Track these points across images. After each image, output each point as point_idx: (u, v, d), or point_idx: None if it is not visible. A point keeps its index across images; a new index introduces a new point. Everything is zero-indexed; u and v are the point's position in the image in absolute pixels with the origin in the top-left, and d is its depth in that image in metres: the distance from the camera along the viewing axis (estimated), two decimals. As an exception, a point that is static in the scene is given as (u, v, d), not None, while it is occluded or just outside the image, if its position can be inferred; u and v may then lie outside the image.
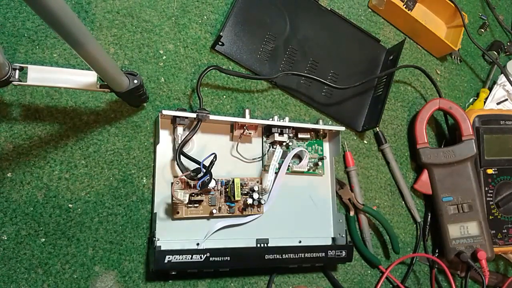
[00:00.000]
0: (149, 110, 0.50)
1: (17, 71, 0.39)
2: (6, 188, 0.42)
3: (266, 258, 0.49)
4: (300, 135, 0.55)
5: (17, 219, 0.42)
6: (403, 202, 0.65)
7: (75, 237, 0.45)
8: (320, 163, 0.56)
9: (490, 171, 0.65)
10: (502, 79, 0.75)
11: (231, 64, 0.56)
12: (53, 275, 0.43)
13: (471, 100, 0.75)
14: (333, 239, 0.56)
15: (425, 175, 0.63)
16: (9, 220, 0.42)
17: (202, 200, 0.48)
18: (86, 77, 0.40)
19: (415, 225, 0.65)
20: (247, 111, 0.52)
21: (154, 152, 0.49)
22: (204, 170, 0.45)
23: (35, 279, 0.42)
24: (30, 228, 0.43)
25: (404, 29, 0.71)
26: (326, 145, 0.58)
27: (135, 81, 0.41)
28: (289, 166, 0.53)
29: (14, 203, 0.42)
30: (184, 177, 0.45)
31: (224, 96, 0.55)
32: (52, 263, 0.43)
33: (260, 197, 0.50)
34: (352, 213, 0.58)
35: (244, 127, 0.50)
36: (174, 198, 0.45)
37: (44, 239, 0.43)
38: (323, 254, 0.52)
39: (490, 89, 0.75)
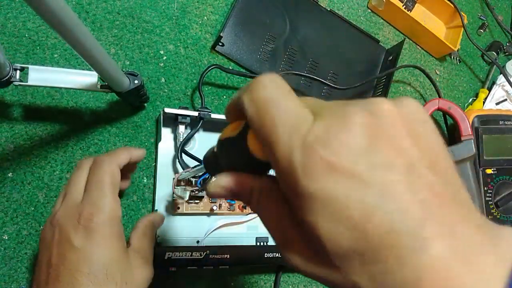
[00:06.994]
0: (149, 110, 0.50)
1: (18, 71, 0.39)
2: (7, 188, 0.43)
3: (265, 256, 0.49)
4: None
5: (18, 219, 0.42)
6: (402, 202, 0.65)
7: (75, 236, 0.45)
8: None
9: (489, 171, 0.65)
10: (501, 79, 0.75)
11: (231, 64, 0.57)
12: (54, 274, 0.43)
13: (470, 100, 0.75)
14: (333, 238, 0.56)
15: (424, 175, 0.63)
16: (10, 220, 0.42)
17: (203, 197, 0.48)
18: (87, 78, 0.41)
19: (414, 225, 0.65)
20: (247, 111, 0.52)
21: (156, 149, 0.49)
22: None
23: (36, 279, 0.43)
24: (31, 228, 0.43)
25: (404, 30, 0.71)
26: (326, 145, 0.58)
27: (136, 82, 0.41)
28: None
29: (15, 203, 0.43)
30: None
31: (224, 97, 0.55)
32: (53, 262, 0.43)
33: (261, 196, 0.50)
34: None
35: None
36: (174, 195, 0.46)
37: (45, 239, 0.43)
38: (323, 254, 0.52)
39: (489, 89, 0.75)
